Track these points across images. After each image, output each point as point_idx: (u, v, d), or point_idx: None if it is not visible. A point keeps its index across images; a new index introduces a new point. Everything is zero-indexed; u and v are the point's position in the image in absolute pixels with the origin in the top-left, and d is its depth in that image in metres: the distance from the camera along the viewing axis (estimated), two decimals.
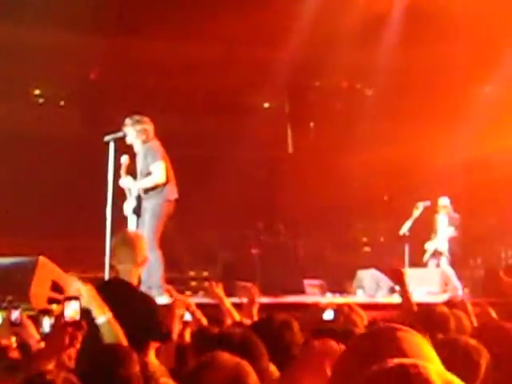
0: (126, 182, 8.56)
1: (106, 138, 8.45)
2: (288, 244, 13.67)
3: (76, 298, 3.36)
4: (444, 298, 9.82)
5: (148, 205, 8.57)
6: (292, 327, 3.85)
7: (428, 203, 12.44)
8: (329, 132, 16.04)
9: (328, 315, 3.80)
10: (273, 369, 3.26)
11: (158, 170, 8.50)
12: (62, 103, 15.61)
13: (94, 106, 15.21)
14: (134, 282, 5.15)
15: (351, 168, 16.19)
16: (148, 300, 5.12)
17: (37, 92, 15.45)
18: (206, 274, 13.18)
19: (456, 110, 15.00)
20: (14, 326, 4.11)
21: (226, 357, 2.52)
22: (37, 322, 4.15)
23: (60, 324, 3.33)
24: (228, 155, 15.16)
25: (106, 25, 14.23)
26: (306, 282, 12.76)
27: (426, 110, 15.47)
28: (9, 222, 13.59)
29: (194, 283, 12.92)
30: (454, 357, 2.85)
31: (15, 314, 4.14)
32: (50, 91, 15.48)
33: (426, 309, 4.96)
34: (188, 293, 11.89)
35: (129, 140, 8.65)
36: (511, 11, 13.82)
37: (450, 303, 5.51)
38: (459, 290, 11.61)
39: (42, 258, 7.97)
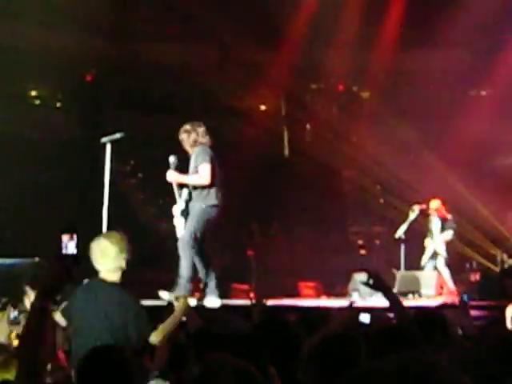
0: (171, 175, 8.66)
1: (103, 140, 8.46)
2: (284, 246, 13.69)
3: (73, 234, 3.54)
4: (439, 300, 9.84)
5: (192, 208, 8.68)
6: (292, 329, 3.86)
7: (424, 206, 12.46)
8: (325, 134, 16.06)
9: (364, 318, 3.68)
10: (273, 371, 3.27)
11: (204, 171, 8.60)
12: (59, 105, 15.59)
13: (91, 107, 15.21)
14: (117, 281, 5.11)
15: (347, 171, 16.21)
16: (137, 302, 5.10)
17: (33, 93, 15.43)
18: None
19: (452, 112, 15.04)
20: (14, 325, 4.13)
21: (232, 361, 2.50)
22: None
23: (59, 257, 3.42)
24: (224, 157, 15.11)
25: (103, 26, 14.24)
26: (302, 283, 12.77)
27: (422, 113, 15.50)
28: (5, 224, 13.59)
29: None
30: (453, 360, 2.86)
31: (14, 313, 4.16)
32: (46, 93, 15.46)
33: (426, 312, 4.94)
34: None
35: (186, 145, 8.80)
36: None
37: (450, 306, 5.49)
38: (455, 293, 11.61)
39: (39, 260, 7.98)
